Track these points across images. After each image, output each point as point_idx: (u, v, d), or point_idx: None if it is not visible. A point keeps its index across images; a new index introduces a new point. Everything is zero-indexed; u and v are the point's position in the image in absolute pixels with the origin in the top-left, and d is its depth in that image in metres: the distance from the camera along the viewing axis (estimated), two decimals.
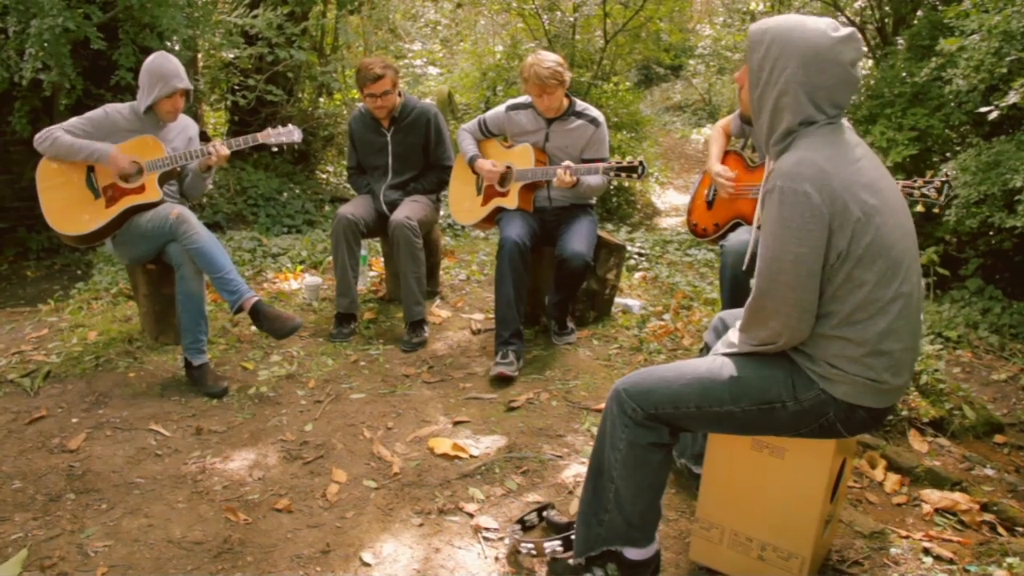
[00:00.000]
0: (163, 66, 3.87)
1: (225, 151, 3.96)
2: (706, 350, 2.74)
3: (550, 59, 4.03)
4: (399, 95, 4.57)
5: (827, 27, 2.08)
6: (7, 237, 7.24)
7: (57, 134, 3.83)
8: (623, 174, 3.94)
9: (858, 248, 2.04)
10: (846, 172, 2.05)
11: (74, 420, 3.54)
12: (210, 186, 4.26)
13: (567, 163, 4.01)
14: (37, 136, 3.85)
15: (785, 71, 2.08)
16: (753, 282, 2.19)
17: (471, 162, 4.42)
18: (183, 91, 3.93)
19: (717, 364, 2.28)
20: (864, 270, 2.05)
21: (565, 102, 4.22)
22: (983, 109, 5.49)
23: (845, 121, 2.23)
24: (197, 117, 8.77)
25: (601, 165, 4.00)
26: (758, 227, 3.77)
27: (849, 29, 2.10)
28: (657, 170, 12.31)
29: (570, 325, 4.47)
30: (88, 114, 3.94)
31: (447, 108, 11.57)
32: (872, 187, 2.08)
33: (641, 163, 3.90)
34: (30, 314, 5.00)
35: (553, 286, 4.26)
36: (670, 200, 11.58)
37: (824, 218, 2.01)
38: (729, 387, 2.22)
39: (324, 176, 9.24)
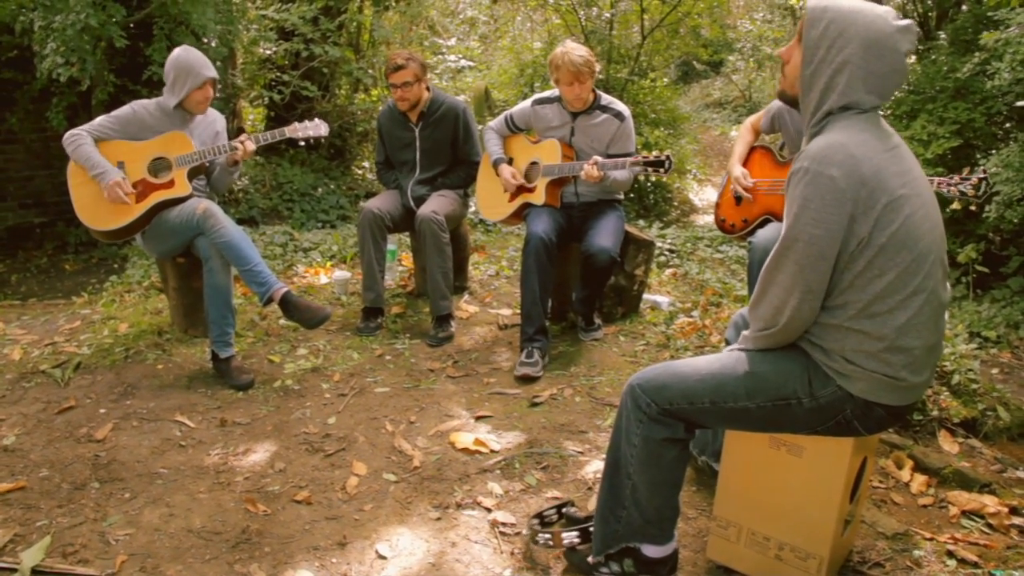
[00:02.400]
0: (188, 59, 3.91)
1: (252, 146, 3.99)
2: (727, 346, 2.71)
3: (581, 49, 4.03)
4: (427, 89, 4.56)
5: (887, 14, 2.06)
6: (47, 231, 7.41)
7: (81, 141, 3.88)
8: (650, 168, 3.89)
9: (882, 236, 2.00)
10: (878, 159, 2.01)
11: (102, 411, 3.59)
12: (237, 181, 4.30)
13: (595, 158, 3.99)
14: (65, 137, 3.92)
15: (844, 51, 2.04)
16: None
17: (495, 165, 4.41)
18: (212, 80, 3.98)
19: (732, 359, 2.25)
20: (887, 259, 2.01)
21: (591, 96, 4.19)
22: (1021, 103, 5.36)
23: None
24: (235, 113, 8.88)
25: (628, 160, 3.96)
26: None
27: (908, 20, 2.07)
28: (695, 167, 12.21)
29: (597, 321, 4.44)
30: (115, 112, 3.99)
31: (484, 104, 11.58)
32: (903, 176, 2.04)
33: (668, 157, 3.85)
34: (65, 306, 5.09)
35: (579, 282, 4.23)
36: (707, 197, 11.49)
37: (846, 204, 1.97)
38: (744, 383, 2.19)
39: (360, 172, 9.29)
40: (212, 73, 3.94)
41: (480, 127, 4.78)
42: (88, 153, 3.86)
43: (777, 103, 3.99)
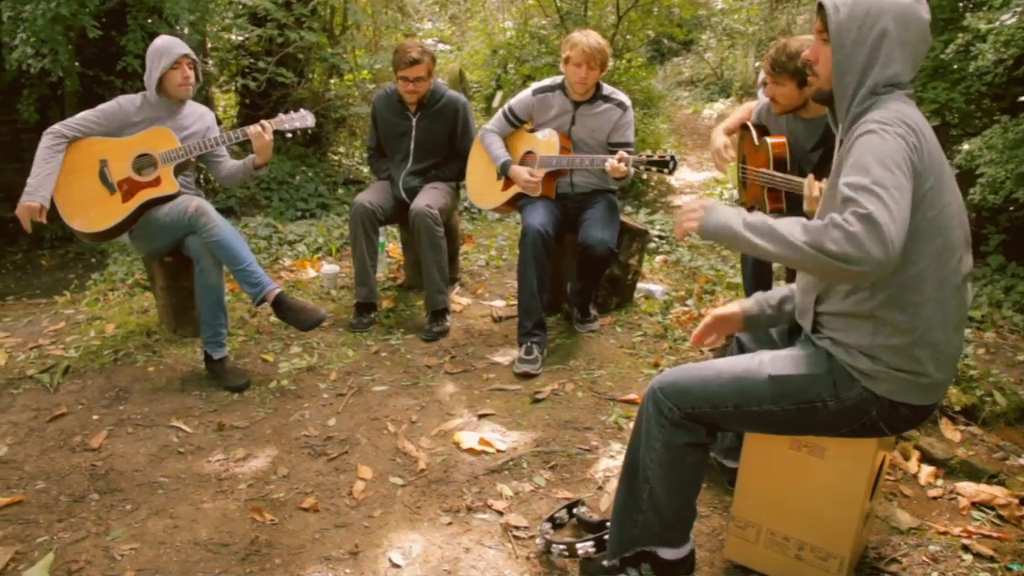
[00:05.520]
0: (161, 43, 3.84)
1: (271, 129, 3.92)
2: (738, 345, 2.68)
3: (601, 39, 4.00)
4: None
5: None
6: (20, 225, 7.21)
7: (48, 143, 3.77)
8: (653, 168, 3.80)
9: (923, 219, 1.96)
10: (930, 134, 1.99)
11: (95, 417, 3.50)
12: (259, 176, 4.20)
13: (621, 153, 3.87)
14: (45, 132, 3.81)
15: (876, 26, 2.02)
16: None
17: (504, 168, 4.24)
18: (189, 60, 3.87)
19: (755, 363, 2.22)
20: (922, 244, 1.98)
21: (594, 87, 4.13)
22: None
23: None
24: (208, 100, 8.71)
25: (632, 158, 3.88)
26: (771, 211, 3.68)
27: None
28: (670, 147, 12.20)
29: (592, 312, 4.41)
30: (101, 107, 3.87)
31: (459, 87, 11.46)
32: (945, 163, 2.03)
33: (672, 157, 3.77)
34: (47, 306, 4.97)
35: (575, 273, 4.19)
36: (684, 177, 11.46)
37: (914, 163, 1.91)
38: (768, 386, 2.17)
39: (336, 158, 9.18)
40: (184, 50, 3.83)
41: (477, 127, 4.65)
42: (41, 159, 3.75)
43: (764, 100, 3.92)
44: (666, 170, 3.77)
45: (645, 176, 3.88)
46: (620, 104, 4.12)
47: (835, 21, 2.09)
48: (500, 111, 4.38)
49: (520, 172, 4.18)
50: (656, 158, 3.77)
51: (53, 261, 6.75)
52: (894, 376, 2.07)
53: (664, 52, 19.81)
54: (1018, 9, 4.84)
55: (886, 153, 1.87)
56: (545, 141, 4.17)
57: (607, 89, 4.16)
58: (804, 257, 1.84)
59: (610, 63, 4.03)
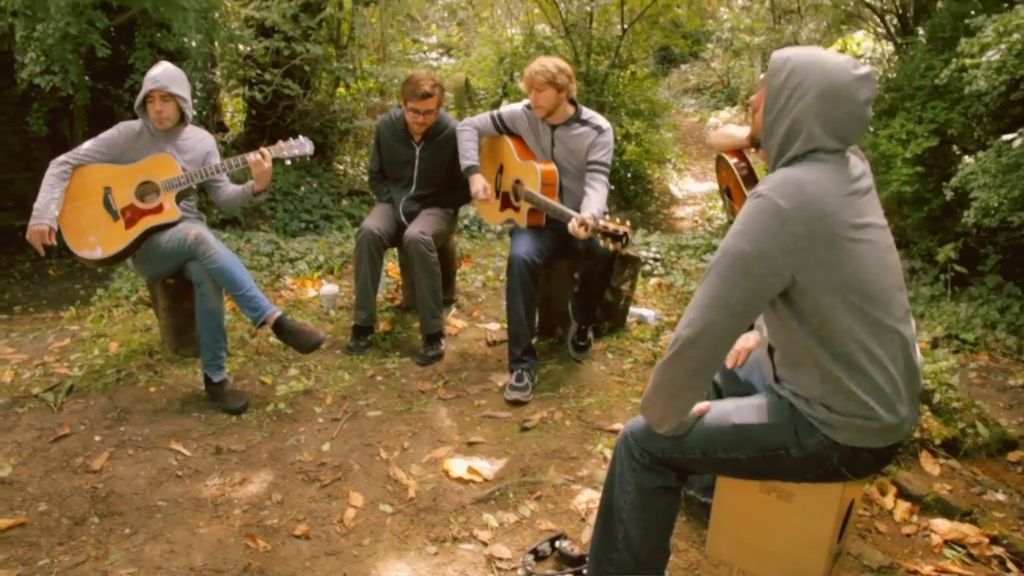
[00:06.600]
0: (148, 73, 3.93)
1: (270, 156, 4.02)
2: (715, 390, 2.77)
3: (549, 62, 4.07)
4: None
5: (847, 63, 2.08)
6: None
7: (54, 171, 3.89)
8: (608, 239, 3.66)
9: (833, 277, 2.02)
10: (833, 201, 2.02)
11: (97, 438, 3.61)
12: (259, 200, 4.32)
13: (583, 216, 3.73)
14: (52, 162, 3.93)
15: (801, 100, 2.07)
16: None
17: (467, 171, 4.35)
18: (163, 94, 3.90)
19: (722, 411, 2.31)
20: (834, 299, 2.04)
21: (571, 110, 4.19)
22: (1007, 136, 5.44)
23: (854, 154, 2.21)
24: (216, 107, 8.84)
25: (592, 224, 3.68)
26: None
27: (868, 68, 2.10)
28: (674, 156, 12.26)
29: (590, 336, 4.45)
30: (102, 135, 3.98)
31: (464, 96, 11.56)
32: (858, 219, 2.06)
33: (626, 234, 3.63)
34: (52, 321, 5.08)
35: (579, 286, 4.21)
36: (687, 187, 11.54)
37: (784, 234, 1.99)
38: (734, 434, 2.25)
39: (341, 168, 9.28)
40: (154, 85, 3.87)
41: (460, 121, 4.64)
42: (47, 188, 3.85)
43: None
44: (619, 242, 3.64)
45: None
46: (597, 127, 4.18)
47: (771, 84, 2.15)
48: (489, 113, 4.45)
49: (476, 182, 4.30)
50: (611, 230, 3.63)
51: (60, 271, 6.87)
52: (850, 423, 2.13)
53: (672, 59, 19.85)
54: (1003, 47, 4.90)
55: (750, 223, 2.04)
56: (529, 175, 4.22)
57: (586, 114, 4.23)
58: (664, 371, 2.17)
59: (563, 80, 4.04)
